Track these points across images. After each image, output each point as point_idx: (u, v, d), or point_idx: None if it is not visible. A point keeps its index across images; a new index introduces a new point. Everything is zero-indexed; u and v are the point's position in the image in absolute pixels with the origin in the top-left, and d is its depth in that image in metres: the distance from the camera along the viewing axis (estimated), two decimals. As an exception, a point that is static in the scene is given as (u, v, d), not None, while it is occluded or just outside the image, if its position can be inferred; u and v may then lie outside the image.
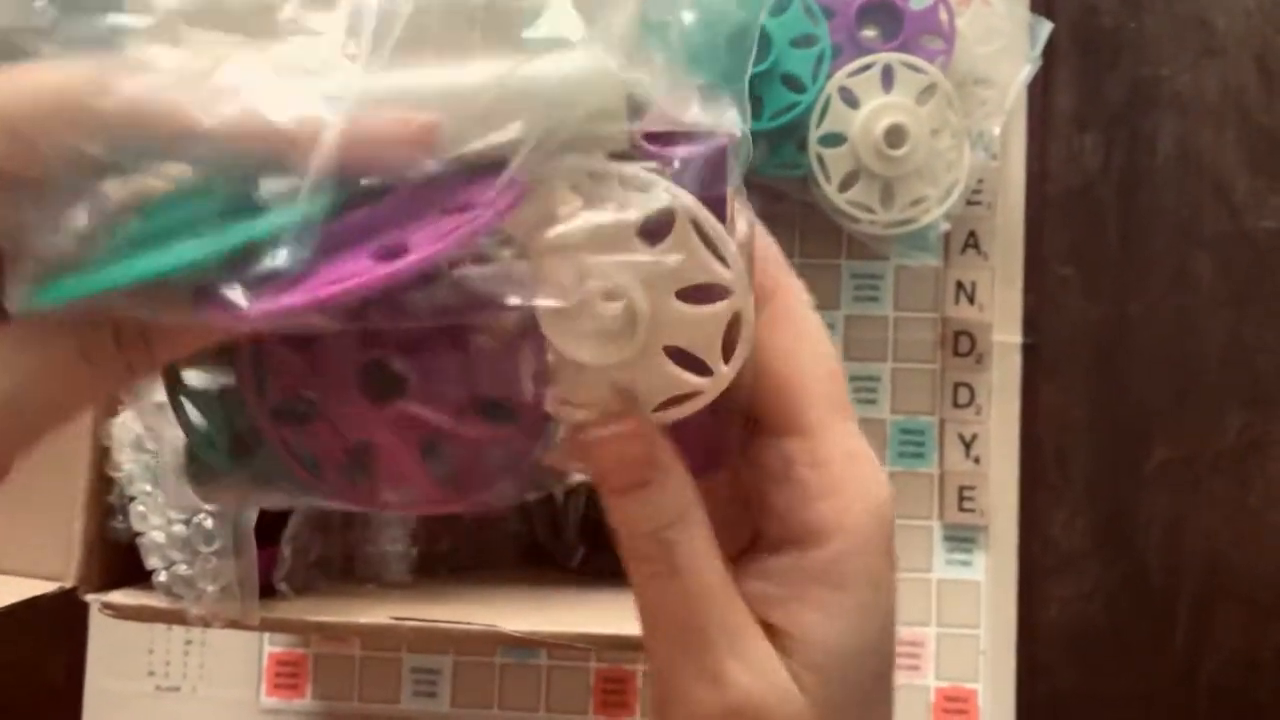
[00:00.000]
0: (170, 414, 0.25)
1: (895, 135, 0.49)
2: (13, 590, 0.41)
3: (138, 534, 0.42)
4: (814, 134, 0.49)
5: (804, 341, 0.25)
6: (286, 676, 0.57)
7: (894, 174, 0.49)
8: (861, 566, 0.24)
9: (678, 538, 0.23)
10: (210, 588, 0.40)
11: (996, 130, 0.52)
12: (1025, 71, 0.51)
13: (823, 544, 0.24)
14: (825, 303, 0.56)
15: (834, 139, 0.49)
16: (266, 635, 0.57)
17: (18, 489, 0.33)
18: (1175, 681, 0.54)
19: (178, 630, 0.58)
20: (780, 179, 0.51)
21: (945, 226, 0.51)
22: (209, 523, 0.40)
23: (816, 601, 0.24)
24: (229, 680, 0.57)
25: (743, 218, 0.24)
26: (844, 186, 0.50)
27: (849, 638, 0.24)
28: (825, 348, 0.25)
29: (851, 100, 0.49)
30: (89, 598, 0.40)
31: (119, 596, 0.40)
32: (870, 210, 0.50)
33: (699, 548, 0.24)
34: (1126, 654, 0.55)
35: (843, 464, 0.24)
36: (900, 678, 0.54)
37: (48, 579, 0.41)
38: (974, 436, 0.55)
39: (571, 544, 0.51)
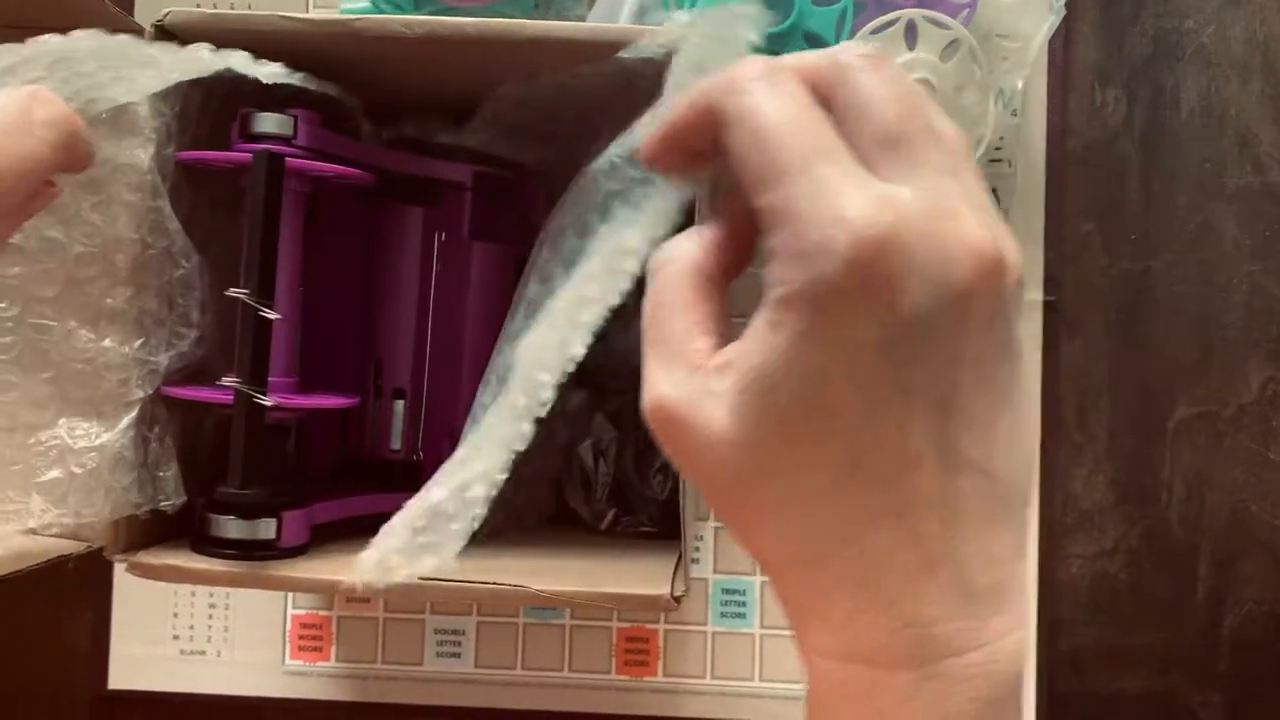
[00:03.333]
0: None
1: (918, 92, 0.48)
2: (39, 551, 0.41)
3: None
4: (836, 92, 0.49)
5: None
6: (310, 639, 0.57)
7: (917, 131, 0.49)
8: (798, 296, 0.25)
9: (661, 269, 0.29)
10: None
11: (1019, 84, 0.51)
12: (1049, 23, 0.51)
13: (770, 271, 0.26)
14: (845, 262, 0.56)
15: (856, 96, 0.49)
16: (290, 598, 0.57)
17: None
18: (1197, 637, 0.55)
19: (201, 594, 0.58)
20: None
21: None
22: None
23: (753, 326, 0.26)
24: (253, 643, 0.58)
25: None
26: (867, 145, 0.49)
27: (770, 362, 0.25)
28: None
29: (873, 57, 0.49)
30: (116, 558, 0.40)
31: (146, 557, 0.40)
32: (893, 168, 0.49)
33: (671, 279, 0.28)
34: (1148, 610, 0.55)
35: (810, 199, 0.25)
36: (922, 635, 0.55)
37: (74, 539, 0.42)
38: (995, 395, 0.55)
39: (601, 508, 0.51)
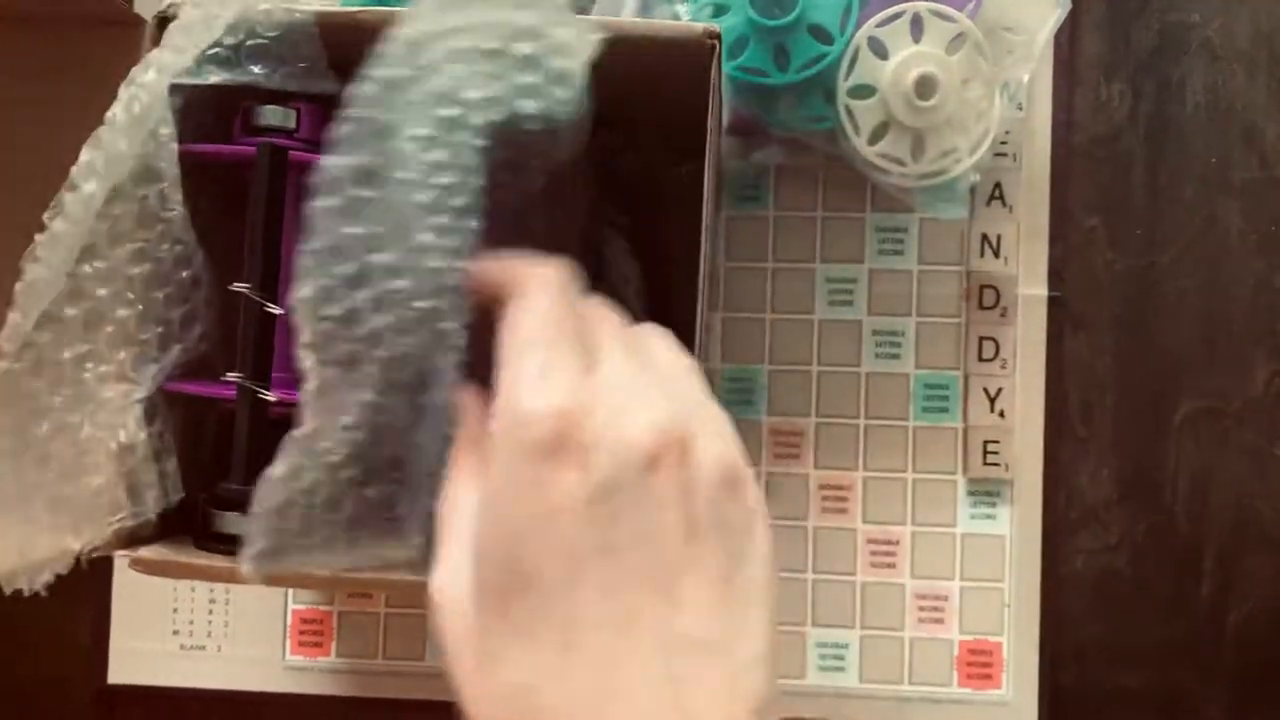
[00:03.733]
0: None
1: (925, 86, 0.48)
2: (41, 548, 0.41)
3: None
4: (842, 86, 0.48)
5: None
6: (311, 634, 0.57)
7: (924, 125, 0.48)
8: (502, 466, 0.28)
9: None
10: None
11: (1025, 77, 0.51)
12: (1055, 17, 0.50)
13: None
14: (849, 256, 0.56)
15: (863, 90, 0.48)
16: (291, 593, 0.57)
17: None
18: (1201, 633, 0.55)
19: (201, 589, 0.58)
20: (808, 132, 0.50)
21: (975, 178, 0.51)
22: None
23: (473, 506, 0.30)
24: (253, 638, 0.57)
25: None
26: (874, 139, 0.49)
27: (483, 536, 0.29)
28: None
29: (880, 51, 0.48)
30: (118, 554, 0.40)
31: (148, 552, 0.40)
32: (901, 162, 0.49)
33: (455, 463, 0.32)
34: (1152, 606, 0.55)
35: (524, 377, 0.29)
36: (924, 630, 0.55)
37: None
38: (999, 390, 0.55)
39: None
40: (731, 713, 0.27)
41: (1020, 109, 0.55)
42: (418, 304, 0.33)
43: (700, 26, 0.38)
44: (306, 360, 0.33)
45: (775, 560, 0.30)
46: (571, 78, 0.35)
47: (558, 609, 0.27)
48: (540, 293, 0.31)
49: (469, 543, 0.29)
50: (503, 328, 0.30)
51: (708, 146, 0.40)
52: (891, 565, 0.55)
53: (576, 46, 0.35)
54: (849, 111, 0.48)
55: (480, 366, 0.33)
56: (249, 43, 0.39)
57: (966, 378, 0.55)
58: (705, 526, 0.28)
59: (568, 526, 0.27)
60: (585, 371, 0.29)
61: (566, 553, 0.27)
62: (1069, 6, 0.50)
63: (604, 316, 0.32)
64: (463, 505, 0.30)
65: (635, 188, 0.50)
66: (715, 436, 0.30)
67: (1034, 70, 0.53)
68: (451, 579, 0.29)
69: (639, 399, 0.29)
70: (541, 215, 0.40)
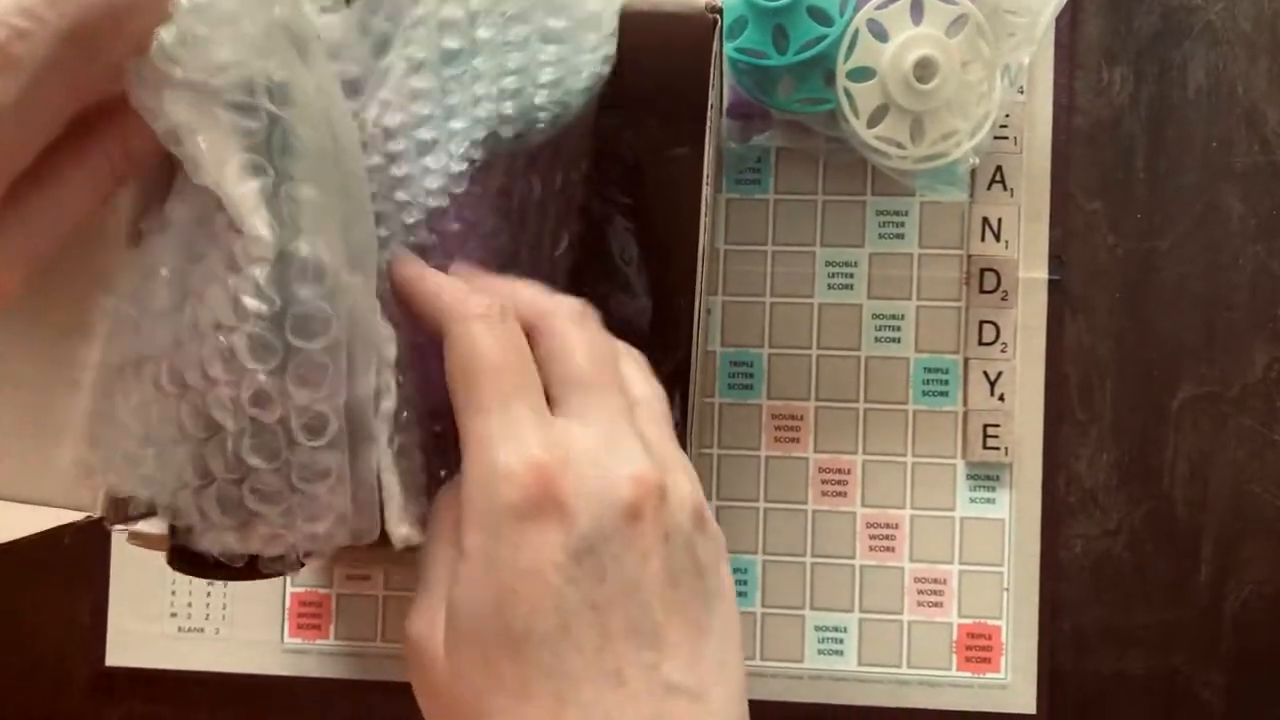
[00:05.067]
0: None
1: (925, 68, 0.48)
2: (40, 520, 0.41)
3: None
4: (841, 68, 0.48)
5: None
6: (309, 617, 0.57)
7: (924, 108, 0.48)
8: (481, 522, 0.28)
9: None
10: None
11: (1026, 60, 0.51)
12: (1057, 1, 0.50)
13: (461, 498, 0.30)
14: (850, 240, 0.56)
15: (862, 73, 0.48)
16: (289, 576, 0.57)
17: (45, 415, 0.33)
18: (1199, 617, 0.55)
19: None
20: (807, 114, 0.50)
21: (975, 161, 0.50)
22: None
23: (447, 558, 0.30)
24: (251, 621, 0.57)
25: None
26: (873, 121, 0.49)
27: (463, 591, 0.28)
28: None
29: (880, 33, 0.48)
30: (115, 528, 0.40)
31: (146, 526, 0.40)
32: (900, 145, 0.49)
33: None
34: (1150, 590, 0.55)
35: (499, 432, 0.29)
36: (923, 614, 0.55)
37: (76, 509, 0.41)
38: (999, 374, 0.55)
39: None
40: None
41: (1021, 93, 0.55)
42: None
43: (702, 1, 0.38)
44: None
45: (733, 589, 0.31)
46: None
47: (550, 666, 0.27)
48: (491, 330, 0.30)
49: (446, 597, 0.29)
50: (449, 360, 0.30)
51: (708, 121, 0.40)
52: (891, 549, 0.55)
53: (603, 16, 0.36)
54: (848, 94, 0.48)
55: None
56: None
57: (966, 361, 0.55)
58: (681, 569, 0.29)
59: (555, 584, 0.27)
60: (551, 424, 0.29)
61: (555, 610, 0.27)
62: (1071, -11, 0.50)
63: (564, 347, 0.31)
64: (440, 558, 0.30)
65: (635, 169, 0.49)
66: (682, 472, 0.31)
67: (1035, 53, 0.53)
68: (429, 631, 0.29)
69: (617, 449, 0.29)
70: (542, 189, 0.40)
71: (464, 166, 0.34)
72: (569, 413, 0.30)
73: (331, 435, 0.29)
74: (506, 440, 0.28)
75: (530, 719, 0.27)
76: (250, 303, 0.27)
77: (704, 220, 0.41)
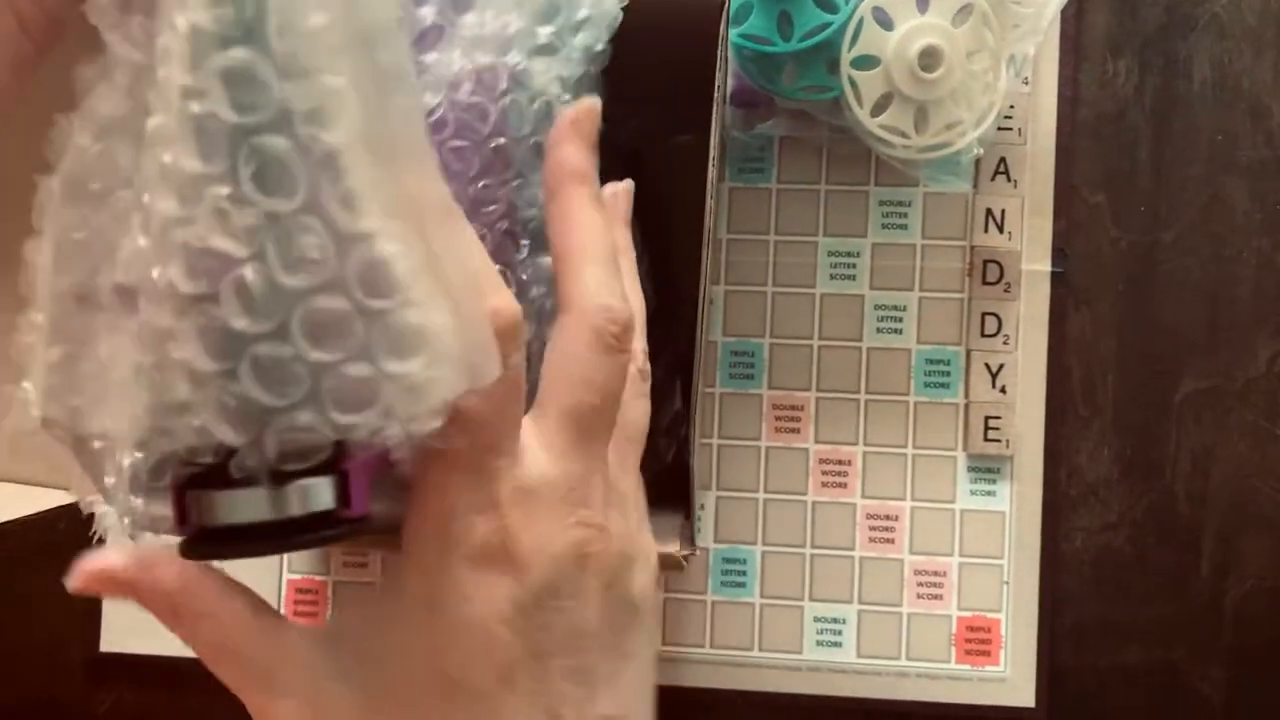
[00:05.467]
0: None
1: (930, 57, 0.47)
2: (36, 501, 0.41)
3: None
4: (846, 56, 0.48)
5: None
6: (306, 604, 0.57)
7: (928, 97, 0.48)
8: (429, 570, 0.27)
9: None
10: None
11: (1031, 51, 0.50)
12: (1063, -8, 0.50)
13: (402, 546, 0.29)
14: (852, 230, 0.56)
15: (867, 61, 0.48)
16: (285, 561, 0.57)
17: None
18: (1199, 611, 0.54)
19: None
20: (811, 103, 0.50)
21: (979, 151, 0.50)
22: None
23: (369, 593, 0.31)
24: (248, 607, 0.57)
25: None
26: (877, 110, 0.49)
27: (392, 633, 0.28)
28: None
29: (885, 21, 0.48)
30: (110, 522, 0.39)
31: (138, 504, 0.39)
32: (904, 135, 0.49)
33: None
34: (1151, 584, 0.55)
35: (471, 482, 0.28)
36: (923, 607, 0.55)
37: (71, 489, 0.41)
38: (1001, 366, 0.55)
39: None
40: None
41: (1026, 84, 0.55)
42: None
43: None
44: None
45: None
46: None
47: (483, 713, 0.27)
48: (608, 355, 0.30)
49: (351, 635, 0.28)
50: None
51: (714, 105, 0.39)
52: (890, 540, 0.55)
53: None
54: (852, 82, 0.48)
55: None
56: None
57: (968, 353, 0.55)
58: (614, 605, 0.29)
59: (500, 637, 0.27)
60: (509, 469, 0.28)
61: (497, 662, 0.27)
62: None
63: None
64: (371, 609, 0.29)
65: (637, 156, 0.49)
66: (615, 501, 0.31)
67: (1040, 45, 0.52)
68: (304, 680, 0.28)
69: (580, 500, 0.29)
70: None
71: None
72: (551, 444, 0.29)
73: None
74: (470, 497, 0.27)
75: None
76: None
77: (709, 204, 0.41)
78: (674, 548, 0.39)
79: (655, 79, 0.44)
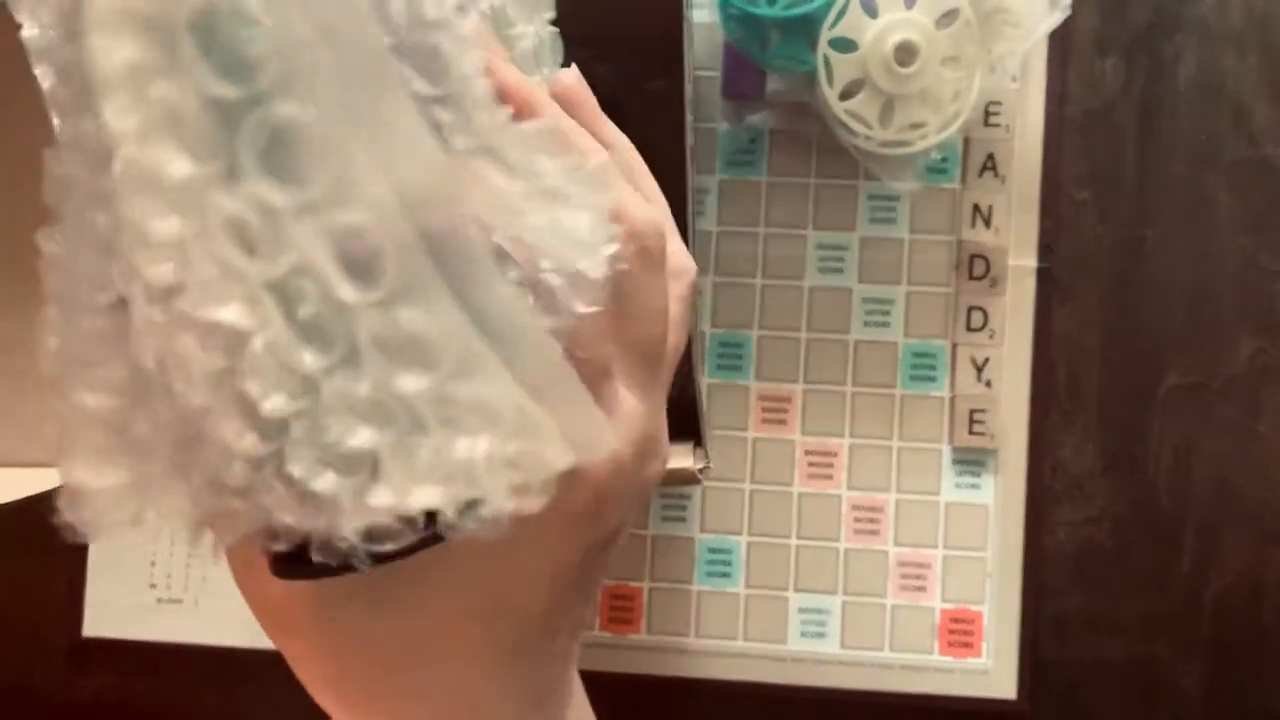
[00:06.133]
0: None
1: (906, 52, 0.48)
2: (24, 484, 0.41)
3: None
4: (825, 35, 0.48)
5: None
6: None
7: (898, 92, 0.48)
8: (548, 513, 0.28)
9: None
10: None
11: (1011, 64, 0.51)
12: (1051, 19, 0.50)
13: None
14: (841, 223, 0.56)
15: (845, 44, 0.49)
16: (271, 548, 0.57)
17: (27, 373, 0.33)
18: (1181, 605, 0.55)
19: (181, 542, 0.57)
20: (791, 74, 0.51)
21: (936, 156, 0.51)
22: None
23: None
24: (231, 593, 0.56)
25: None
26: (846, 95, 0.49)
27: (497, 562, 0.28)
28: None
29: (870, 8, 0.48)
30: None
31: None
32: (867, 125, 0.49)
33: None
34: (1133, 578, 0.55)
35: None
36: (906, 598, 0.55)
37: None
38: (986, 360, 0.55)
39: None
40: None
41: (1014, 81, 0.56)
42: None
43: None
44: None
45: None
46: None
47: (521, 625, 0.28)
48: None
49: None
50: None
51: (684, 49, 0.39)
52: (875, 532, 0.55)
53: None
54: (827, 61, 0.49)
55: None
56: None
57: (954, 347, 0.56)
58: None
59: (574, 571, 0.28)
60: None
61: (562, 589, 0.28)
62: (1068, 12, 0.50)
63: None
64: None
65: (609, 103, 0.49)
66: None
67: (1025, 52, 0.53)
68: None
69: (661, 430, 0.30)
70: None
71: None
72: (630, 384, 0.28)
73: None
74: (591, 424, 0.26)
75: (486, 656, 0.28)
76: None
77: (689, 143, 0.41)
78: (688, 463, 0.40)
79: (621, 23, 0.44)
